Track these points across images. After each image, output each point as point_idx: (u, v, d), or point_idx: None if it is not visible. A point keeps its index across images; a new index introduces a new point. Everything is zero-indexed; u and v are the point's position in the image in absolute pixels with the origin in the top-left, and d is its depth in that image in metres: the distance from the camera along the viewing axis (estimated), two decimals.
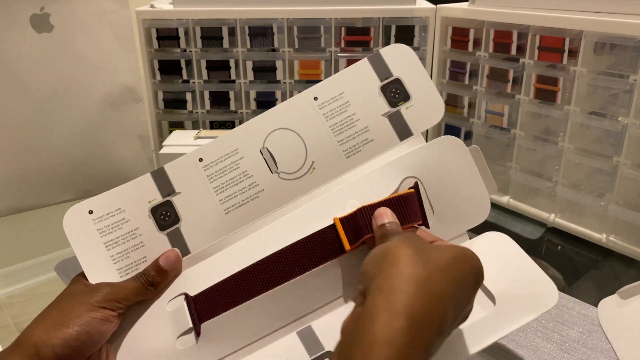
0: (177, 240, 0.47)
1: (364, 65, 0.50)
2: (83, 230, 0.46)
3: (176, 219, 0.48)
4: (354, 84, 0.49)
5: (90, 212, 0.47)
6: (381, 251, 0.36)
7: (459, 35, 0.85)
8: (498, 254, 0.43)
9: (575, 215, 0.76)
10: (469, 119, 0.87)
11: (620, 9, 0.66)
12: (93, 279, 0.45)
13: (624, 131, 0.68)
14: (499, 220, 0.82)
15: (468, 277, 0.34)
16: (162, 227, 0.47)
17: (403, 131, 0.48)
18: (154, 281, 0.45)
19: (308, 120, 0.49)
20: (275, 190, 0.48)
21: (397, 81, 0.49)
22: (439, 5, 0.86)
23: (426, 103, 0.48)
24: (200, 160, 0.49)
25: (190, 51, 0.89)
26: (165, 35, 0.88)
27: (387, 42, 0.87)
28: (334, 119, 0.49)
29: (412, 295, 0.31)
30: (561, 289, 0.66)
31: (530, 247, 0.76)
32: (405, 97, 0.48)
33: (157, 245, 0.47)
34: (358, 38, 0.87)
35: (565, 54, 0.72)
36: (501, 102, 0.81)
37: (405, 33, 0.87)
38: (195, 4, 0.86)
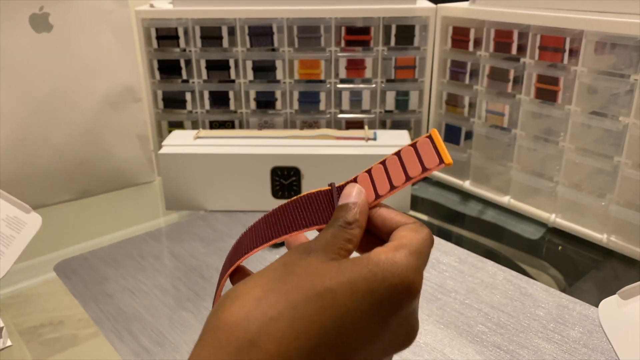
0: None
1: None
2: None
3: None
4: None
5: None
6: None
7: (460, 35, 0.84)
8: None
9: (576, 216, 0.76)
10: (469, 119, 0.87)
11: (621, 8, 0.66)
12: None
13: (624, 131, 0.67)
14: (499, 220, 0.81)
15: (363, 306, 0.28)
16: None
17: None
18: None
19: None
20: None
21: None
22: (439, 5, 0.86)
23: None
24: None
25: (190, 51, 0.88)
26: (164, 35, 0.88)
27: (387, 42, 0.87)
28: None
29: None
30: (562, 289, 0.66)
31: (530, 247, 0.76)
32: None
33: None
34: (358, 37, 0.87)
35: (566, 54, 0.71)
36: (502, 102, 0.81)
37: (405, 32, 0.87)
38: (194, 3, 0.86)
